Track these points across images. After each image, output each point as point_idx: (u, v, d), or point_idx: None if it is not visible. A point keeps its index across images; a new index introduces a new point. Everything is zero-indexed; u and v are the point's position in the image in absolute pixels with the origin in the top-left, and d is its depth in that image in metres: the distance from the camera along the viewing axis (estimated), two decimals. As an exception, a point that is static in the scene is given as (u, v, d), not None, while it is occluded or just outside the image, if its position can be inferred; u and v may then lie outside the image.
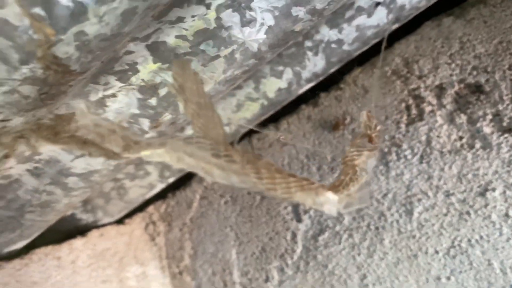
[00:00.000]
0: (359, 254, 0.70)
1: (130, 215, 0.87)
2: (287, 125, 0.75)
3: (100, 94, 0.47)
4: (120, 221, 0.86)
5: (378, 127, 0.32)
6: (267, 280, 0.78)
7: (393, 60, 0.67)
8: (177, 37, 0.43)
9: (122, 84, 0.46)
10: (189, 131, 0.67)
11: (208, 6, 0.41)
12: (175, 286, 0.87)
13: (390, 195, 0.67)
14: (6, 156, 0.42)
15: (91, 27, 0.29)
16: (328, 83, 0.71)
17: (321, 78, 0.66)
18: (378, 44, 0.66)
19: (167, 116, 0.51)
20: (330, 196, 0.28)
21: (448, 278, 0.65)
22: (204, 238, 0.83)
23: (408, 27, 0.67)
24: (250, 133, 0.78)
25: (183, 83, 0.27)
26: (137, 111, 0.50)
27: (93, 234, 0.79)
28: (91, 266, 0.76)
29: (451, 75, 0.63)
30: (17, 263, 0.66)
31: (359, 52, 0.63)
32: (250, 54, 0.46)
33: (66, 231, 0.82)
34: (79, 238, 0.77)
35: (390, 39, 0.67)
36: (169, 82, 0.27)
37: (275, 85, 0.64)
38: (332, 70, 0.65)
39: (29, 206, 0.58)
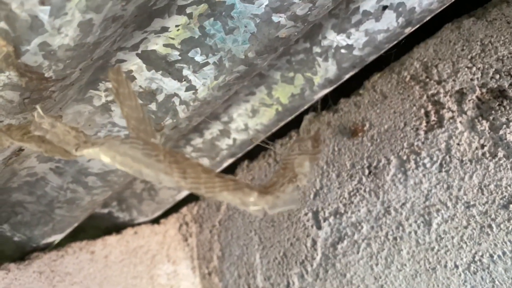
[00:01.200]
0: (377, 264, 0.68)
1: (165, 215, 0.92)
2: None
3: (103, 100, 0.51)
4: (156, 221, 0.91)
5: (319, 132, 0.32)
6: (288, 286, 0.78)
7: (411, 64, 0.65)
8: (165, 45, 0.46)
9: (122, 91, 0.50)
10: (197, 139, 0.70)
11: (189, 16, 0.44)
12: (204, 286, 0.90)
13: (408, 205, 0.65)
14: (17, 154, 0.47)
15: (52, 39, 0.32)
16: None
17: (335, 84, 0.65)
18: (398, 48, 0.65)
19: (168, 121, 0.54)
20: (257, 197, 0.28)
21: (468, 295, 0.61)
22: (231, 241, 0.85)
23: (430, 30, 0.65)
24: (273, 139, 0.79)
25: (118, 88, 0.30)
26: (140, 116, 0.53)
27: (128, 231, 0.85)
28: (123, 262, 0.81)
29: (472, 79, 0.60)
30: (53, 255, 0.72)
31: (372, 57, 0.62)
32: (239, 61, 0.48)
33: (104, 228, 0.89)
34: (114, 234, 0.83)
35: (410, 43, 0.65)
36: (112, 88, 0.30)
37: (288, 91, 0.65)
38: (346, 76, 0.64)
39: (57, 202, 0.64)
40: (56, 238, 0.73)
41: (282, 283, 0.79)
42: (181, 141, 0.71)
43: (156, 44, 0.46)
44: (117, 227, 0.88)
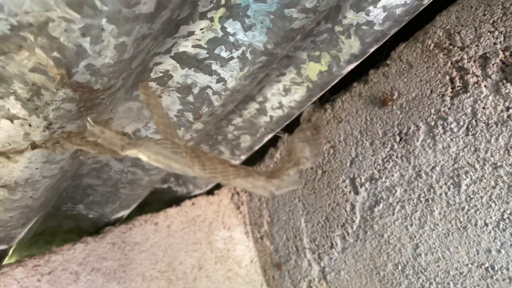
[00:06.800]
0: (411, 225, 0.73)
1: (218, 186, 1.01)
2: (341, 103, 0.79)
3: (148, 96, 0.59)
4: (210, 192, 1.01)
5: (318, 121, 0.37)
6: (332, 246, 0.84)
7: (435, 32, 0.66)
8: (193, 46, 0.52)
9: (163, 87, 0.58)
10: (237, 119, 0.76)
11: (211, 20, 0.49)
12: (258, 249, 0.98)
13: (438, 168, 0.68)
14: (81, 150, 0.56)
15: (95, 60, 0.40)
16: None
17: (361, 58, 0.68)
18: (422, 17, 0.67)
19: (204, 109, 0.61)
20: (265, 181, 0.34)
21: (499, 251, 0.64)
22: (278, 208, 0.93)
23: (453, -4, 0.66)
24: (309, 112, 0.84)
25: (147, 100, 0.36)
26: (180, 107, 0.61)
27: (186, 203, 0.95)
28: (183, 230, 0.92)
29: (494, 43, 0.61)
30: (123, 227, 0.84)
31: (394, 30, 0.64)
32: (259, 53, 0.53)
33: (166, 201, 1.00)
34: (174, 207, 0.93)
35: (433, 12, 0.67)
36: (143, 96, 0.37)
37: (316, 69, 0.69)
38: (371, 49, 0.67)
39: (120, 183, 0.74)
40: (124, 213, 0.84)
41: (326, 244, 0.85)
42: (223, 122, 0.78)
43: (186, 46, 0.52)
44: (177, 200, 0.98)
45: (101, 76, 0.42)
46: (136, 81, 0.54)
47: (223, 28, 0.51)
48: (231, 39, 0.52)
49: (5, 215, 0.61)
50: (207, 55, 0.53)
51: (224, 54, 0.53)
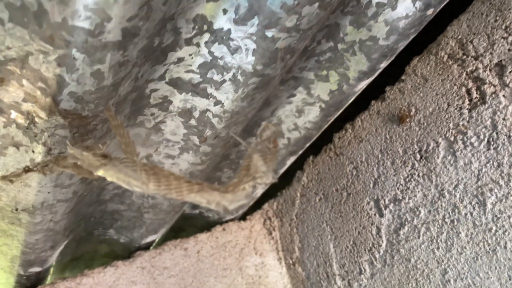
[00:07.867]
0: (438, 248, 0.68)
1: (250, 212, 1.01)
2: (361, 122, 0.77)
3: (153, 122, 0.61)
4: (242, 218, 1.01)
5: (274, 135, 0.37)
6: (360, 272, 0.81)
7: (447, 43, 0.63)
8: (186, 71, 0.54)
9: (165, 113, 0.60)
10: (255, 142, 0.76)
11: (197, 45, 0.51)
12: (291, 276, 0.96)
13: (461, 186, 0.64)
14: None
15: (75, 88, 0.43)
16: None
17: (372, 75, 0.67)
18: (434, 29, 0.64)
19: (208, 132, 0.62)
20: (218, 195, 0.34)
21: (532, 276, 0.58)
22: (307, 232, 0.91)
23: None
24: (331, 134, 0.83)
25: (111, 121, 0.38)
26: (185, 131, 0.63)
27: (217, 229, 0.96)
28: (213, 256, 0.92)
29: (509, 49, 0.57)
30: (153, 252, 0.86)
31: (402, 44, 0.62)
32: (250, 74, 0.54)
33: (200, 226, 1.01)
34: (205, 232, 0.94)
35: (444, 23, 0.64)
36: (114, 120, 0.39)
37: (326, 88, 0.69)
38: (381, 65, 0.65)
39: (143, 208, 0.77)
40: (153, 238, 0.87)
41: (355, 270, 0.82)
42: (241, 146, 0.79)
43: (179, 72, 0.54)
44: (209, 225, 1.00)
45: (87, 103, 0.45)
46: (135, 107, 0.57)
47: (210, 53, 0.52)
48: (220, 62, 0.53)
49: (31, 238, 0.66)
50: (201, 79, 0.55)
51: (217, 77, 0.55)
